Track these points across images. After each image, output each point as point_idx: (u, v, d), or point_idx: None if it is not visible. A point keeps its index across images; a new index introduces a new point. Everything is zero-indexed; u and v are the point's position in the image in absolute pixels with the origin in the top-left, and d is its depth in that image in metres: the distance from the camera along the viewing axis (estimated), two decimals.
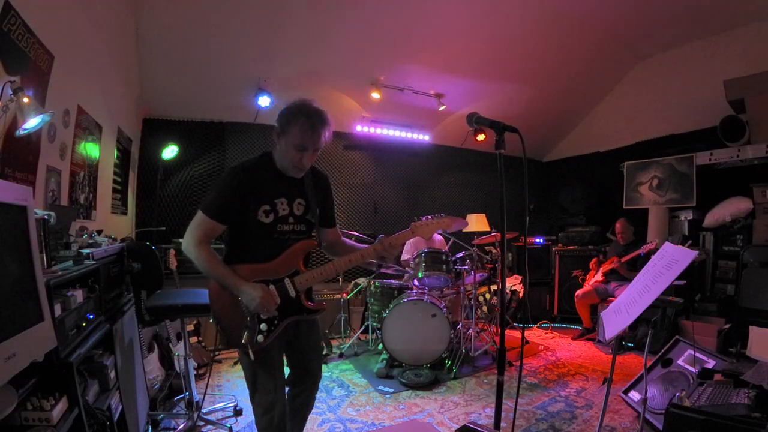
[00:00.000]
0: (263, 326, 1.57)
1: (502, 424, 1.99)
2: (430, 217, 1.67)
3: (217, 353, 3.68)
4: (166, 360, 2.93)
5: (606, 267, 4.37)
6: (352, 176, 5.38)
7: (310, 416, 2.66)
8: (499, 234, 3.86)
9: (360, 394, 3.07)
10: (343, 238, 1.88)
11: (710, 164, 4.20)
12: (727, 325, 3.70)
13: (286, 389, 1.77)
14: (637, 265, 4.02)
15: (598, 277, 4.42)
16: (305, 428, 2.53)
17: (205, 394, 2.76)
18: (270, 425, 1.63)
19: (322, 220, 1.78)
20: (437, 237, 4.35)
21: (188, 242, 1.56)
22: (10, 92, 1.66)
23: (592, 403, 2.86)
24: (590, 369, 3.56)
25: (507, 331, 3.64)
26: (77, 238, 2.07)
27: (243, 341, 1.56)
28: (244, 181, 1.57)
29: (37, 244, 1.18)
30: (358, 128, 5.11)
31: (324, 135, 1.56)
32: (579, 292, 4.45)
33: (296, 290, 1.60)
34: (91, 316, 1.63)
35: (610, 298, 4.22)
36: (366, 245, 1.73)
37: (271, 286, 1.58)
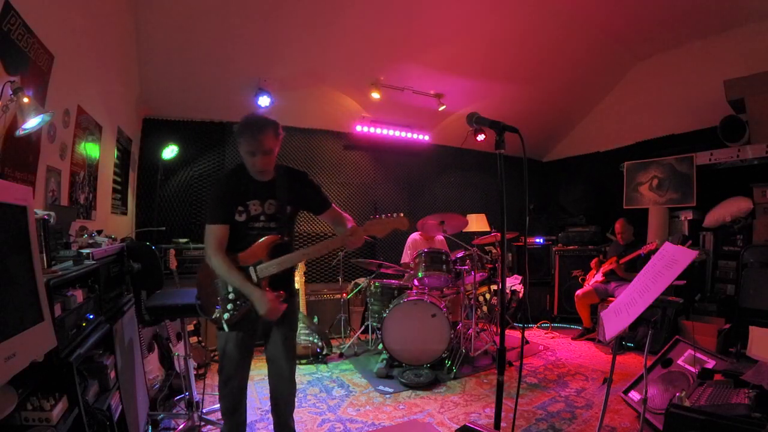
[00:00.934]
0: (230, 306, 1.84)
1: (502, 424, 1.99)
2: (385, 215, 1.86)
3: (217, 353, 3.68)
4: (166, 360, 2.93)
5: (606, 267, 4.37)
6: (352, 176, 5.38)
7: (310, 416, 2.68)
8: (499, 234, 3.87)
9: (360, 394, 3.07)
10: (345, 214, 2.06)
11: (710, 164, 4.20)
12: (727, 325, 3.70)
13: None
14: (636, 266, 4.02)
15: (598, 277, 4.42)
16: (305, 428, 2.55)
17: (204, 394, 2.77)
18: (227, 395, 1.95)
19: (314, 208, 2.03)
20: (438, 237, 4.35)
21: (208, 255, 1.83)
22: (10, 92, 1.66)
23: (592, 403, 2.86)
24: (590, 369, 3.56)
25: (507, 331, 3.64)
26: (77, 238, 2.07)
27: (214, 316, 1.85)
28: (228, 186, 1.88)
29: (37, 244, 1.18)
30: (358, 128, 5.11)
31: (265, 138, 1.78)
32: (579, 292, 4.45)
33: (257, 277, 1.81)
34: (91, 316, 1.63)
35: (610, 298, 4.22)
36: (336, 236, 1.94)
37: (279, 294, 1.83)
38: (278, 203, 1.89)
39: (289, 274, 2.00)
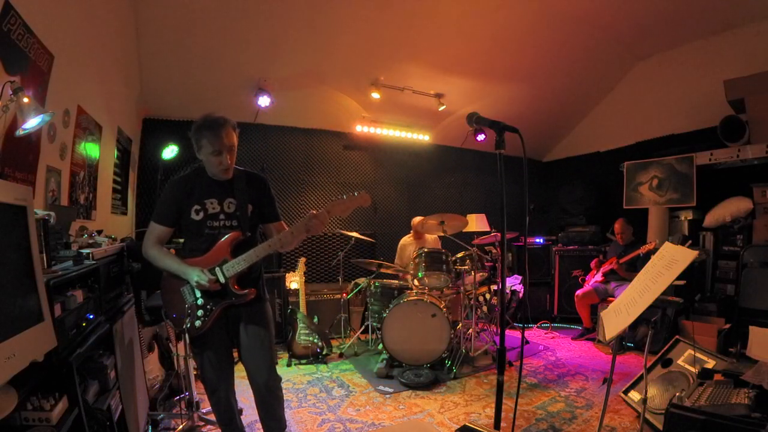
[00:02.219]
0: (200, 312, 1.82)
1: (502, 424, 1.99)
2: (346, 195, 1.87)
3: None
4: (166, 360, 2.93)
5: (606, 268, 4.37)
6: (352, 176, 5.38)
7: (310, 416, 2.68)
8: (499, 234, 3.87)
9: (360, 394, 3.07)
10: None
11: (710, 164, 4.20)
12: (727, 325, 3.69)
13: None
14: (636, 266, 4.02)
15: (598, 277, 4.42)
16: (305, 428, 2.54)
17: (204, 394, 2.77)
18: (217, 405, 1.97)
19: (263, 217, 2.00)
20: (430, 236, 4.37)
21: (144, 247, 1.87)
22: (10, 92, 1.66)
23: (592, 403, 2.86)
24: (590, 369, 3.56)
25: (507, 331, 3.64)
26: (77, 238, 2.07)
27: (185, 326, 1.83)
28: (179, 188, 1.88)
29: (37, 244, 1.18)
30: (358, 128, 5.11)
31: (228, 134, 1.80)
32: (579, 292, 4.45)
33: (224, 276, 1.80)
34: (91, 316, 1.63)
35: (610, 298, 4.22)
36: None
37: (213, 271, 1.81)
38: (238, 201, 1.89)
39: (257, 275, 1.98)
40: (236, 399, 2.06)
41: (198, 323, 1.81)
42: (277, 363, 2.04)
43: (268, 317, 1.99)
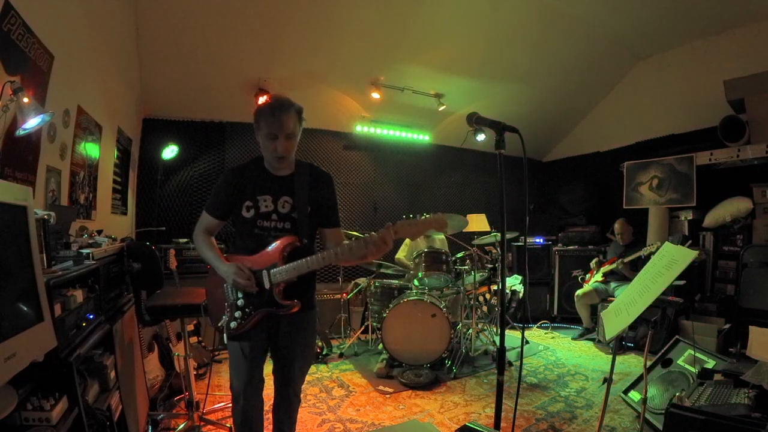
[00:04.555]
0: (237, 314, 1.68)
1: (502, 424, 1.99)
2: (419, 215, 1.61)
3: (217, 353, 3.68)
4: (166, 360, 2.93)
5: (606, 268, 4.36)
6: (352, 176, 5.38)
7: (310, 416, 2.68)
8: (499, 234, 3.86)
9: (360, 394, 3.07)
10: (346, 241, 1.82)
11: (710, 164, 4.20)
12: (727, 325, 3.70)
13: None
14: (637, 266, 4.02)
15: (598, 277, 4.42)
16: (305, 428, 2.54)
17: (206, 394, 2.77)
18: (237, 415, 1.76)
19: (321, 220, 1.79)
20: (438, 236, 4.36)
21: (195, 232, 1.78)
22: (10, 92, 1.66)
23: (592, 403, 2.86)
24: (590, 369, 3.56)
25: (507, 331, 3.64)
26: (77, 238, 2.07)
27: (219, 324, 1.72)
28: (233, 180, 1.72)
29: (37, 244, 1.18)
30: (358, 128, 5.11)
31: (288, 118, 1.62)
32: (579, 292, 4.45)
33: (270, 282, 1.65)
34: (91, 316, 1.63)
35: (610, 298, 4.22)
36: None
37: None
38: (295, 201, 1.70)
39: (307, 283, 1.77)
40: (262, 415, 1.83)
41: (233, 324, 1.68)
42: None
43: (314, 327, 1.86)
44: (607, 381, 1.98)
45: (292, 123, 1.63)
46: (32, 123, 1.73)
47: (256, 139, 1.71)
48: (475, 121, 1.58)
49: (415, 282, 3.73)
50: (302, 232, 1.69)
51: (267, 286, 1.65)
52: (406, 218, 1.60)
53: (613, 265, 4.26)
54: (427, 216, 1.58)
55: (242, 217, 1.70)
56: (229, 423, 2.54)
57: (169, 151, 3.92)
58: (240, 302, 1.68)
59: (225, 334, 1.71)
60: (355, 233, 4.28)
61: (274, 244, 1.66)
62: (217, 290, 1.73)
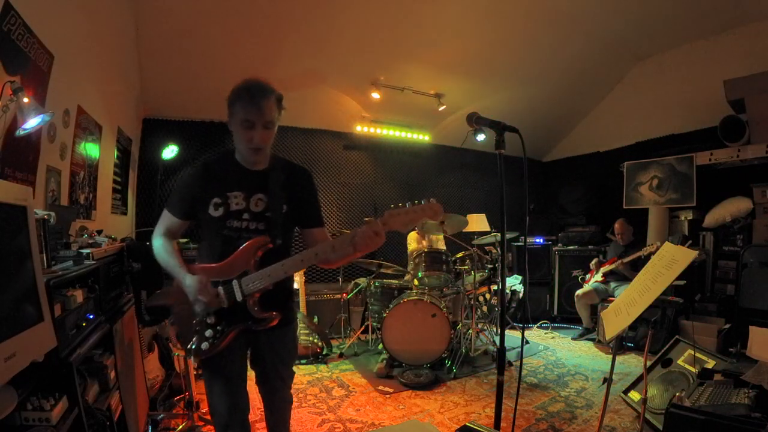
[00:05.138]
0: (208, 332, 1.45)
1: (502, 424, 1.99)
2: (409, 203, 1.42)
3: None
4: (166, 360, 2.93)
5: (606, 268, 4.36)
6: (352, 176, 5.38)
7: (310, 416, 2.68)
8: (498, 234, 3.86)
9: (360, 394, 3.07)
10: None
11: (710, 164, 4.20)
12: (727, 325, 3.70)
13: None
14: (638, 266, 4.02)
15: (598, 277, 4.42)
16: (305, 428, 2.54)
17: (204, 394, 2.76)
18: None
19: (301, 220, 1.62)
20: (435, 237, 4.36)
21: (153, 234, 1.56)
22: (11, 92, 1.66)
23: (592, 403, 2.86)
24: (590, 369, 3.56)
25: (507, 331, 3.64)
26: (77, 238, 2.07)
27: (188, 346, 1.46)
28: (200, 175, 1.53)
29: (37, 244, 1.18)
30: (358, 128, 5.12)
31: (268, 105, 1.44)
32: (579, 292, 4.45)
33: (243, 293, 1.43)
34: (91, 316, 1.63)
35: (610, 298, 4.22)
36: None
37: (219, 288, 1.43)
38: (270, 199, 1.51)
39: (285, 292, 1.59)
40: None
41: (205, 345, 1.44)
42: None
43: (294, 344, 1.70)
44: (607, 381, 1.98)
45: (272, 111, 1.46)
46: (32, 123, 1.73)
47: (228, 127, 1.50)
48: (475, 121, 1.58)
49: (415, 282, 3.74)
50: (276, 233, 1.50)
51: (239, 297, 1.43)
52: (395, 207, 1.40)
53: (613, 265, 4.26)
54: (417, 203, 1.40)
55: (209, 216, 1.48)
56: None
57: (169, 151, 3.92)
58: (210, 319, 1.46)
59: (195, 358, 1.48)
60: None
61: (242, 248, 1.45)
62: (184, 306, 1.48)
